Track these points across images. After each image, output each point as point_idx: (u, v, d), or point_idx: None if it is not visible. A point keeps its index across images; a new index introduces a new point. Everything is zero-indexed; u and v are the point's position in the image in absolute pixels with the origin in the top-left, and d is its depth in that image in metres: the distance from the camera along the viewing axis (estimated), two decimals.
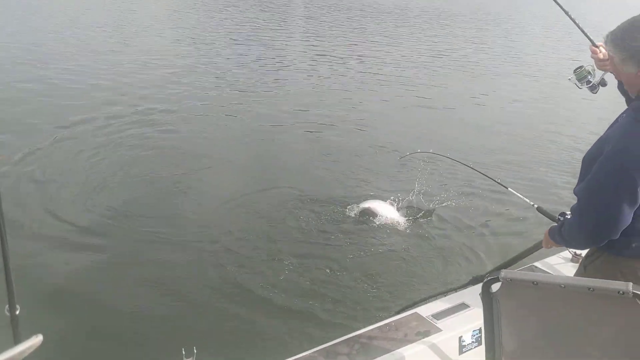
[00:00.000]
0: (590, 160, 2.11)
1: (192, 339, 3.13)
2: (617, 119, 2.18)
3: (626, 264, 2.15)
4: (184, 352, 1.76)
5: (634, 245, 2.11)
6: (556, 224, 2.38)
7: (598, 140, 2.15)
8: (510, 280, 1.77)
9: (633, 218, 2.03)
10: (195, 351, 1.76)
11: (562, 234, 2.27)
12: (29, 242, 4.73)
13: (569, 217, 2.71)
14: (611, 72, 2.25)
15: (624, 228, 2.02)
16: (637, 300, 1.58)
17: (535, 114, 10.61)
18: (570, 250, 3.05)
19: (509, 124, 9.68)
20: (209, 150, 7.23)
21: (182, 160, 6.80)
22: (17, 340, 1.06)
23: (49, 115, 8.14)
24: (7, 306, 0.98)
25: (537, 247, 2.85)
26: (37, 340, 0.82)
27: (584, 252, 3.00)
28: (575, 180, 2.29)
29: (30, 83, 9.88)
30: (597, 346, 1.74)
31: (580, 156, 2.28)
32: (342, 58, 14.69)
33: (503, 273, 1.78)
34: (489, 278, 1.83)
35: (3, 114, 8.03)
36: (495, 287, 1.84)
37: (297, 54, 15.01)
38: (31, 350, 0.81)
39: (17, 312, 1.00)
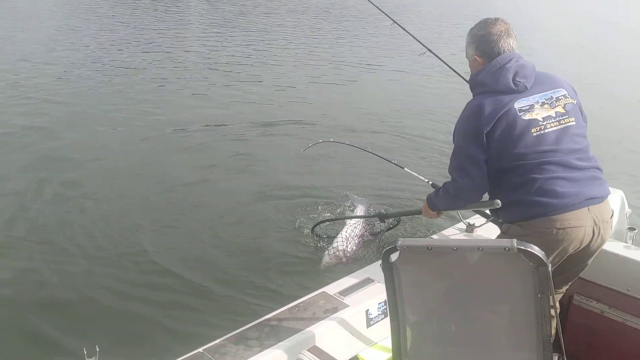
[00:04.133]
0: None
1: (94, 338, 3.09)
2: None
3: (538, 225, 2.31)
4: (85, 352, 1.69)
5: (515, 210, 2.38)
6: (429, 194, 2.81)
7: None
8: (407, 247, 1.85)
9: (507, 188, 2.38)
10: (97, 350, 1.69)
11: (438, 194, 2.69)
12: None
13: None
14: None
15: (480, 178, 2.40)
16: (522, 255, 1.70)
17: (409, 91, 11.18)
18: (465, 221, 3.22)
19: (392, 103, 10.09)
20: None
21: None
22: None
23: None
24: None
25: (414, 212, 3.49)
26: None
27: (477, 222, 3.22)
28: None
29: None
30: (490, 302, 1.86)
31: None
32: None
33: (400, 242, 1.85)
34: (387, 248, 1.90)
35: None
36: (394, 256, 1.91)
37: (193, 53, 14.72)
38: None
39: None
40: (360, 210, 5.03)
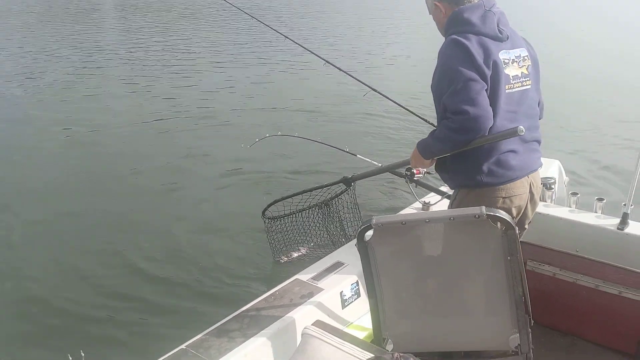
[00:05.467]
0: (434, 85, 2.33)
1: (76, 344, 3.03)
2: None
3: (487, 194, 2.34)
4: (70, 358, 1.66)
5: (485, 169, 2.30)
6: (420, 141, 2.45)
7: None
8: (381, 225, 1.91)
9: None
10: (82, 355, 1.66)
11: (436, 136, 2.31)
12: None
13: (419, 172, 3.01)
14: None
15: (487, 106, 2.16)
16: (490, 221, 1.80)
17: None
18: (420, 200, 3.33)
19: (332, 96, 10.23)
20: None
21: None
22: None
23: None
24: None
25: (397, 165, 3.07)
26: None
27: (431, 200, 3.34)
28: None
29: None
30: (464, 269, 1.95)
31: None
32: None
33: (374, 220, 1.92)
34: (362, 227, 1.95)
35: None
36: (369, 235, 1.97)
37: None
38: None
39: None
40: None
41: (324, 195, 3.82)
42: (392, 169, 3.25)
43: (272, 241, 3.99)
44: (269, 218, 3.94)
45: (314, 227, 3.90)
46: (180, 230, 5.07)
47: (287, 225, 3.93)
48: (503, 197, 2.35)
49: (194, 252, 4.66)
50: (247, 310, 2.30)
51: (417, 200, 3.35)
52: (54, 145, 7.33)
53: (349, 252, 2.70)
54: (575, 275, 2.98)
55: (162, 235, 4.96)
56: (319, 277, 2.53)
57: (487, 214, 1.78)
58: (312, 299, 2.36)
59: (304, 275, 2.55)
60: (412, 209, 3.34)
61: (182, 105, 9.55)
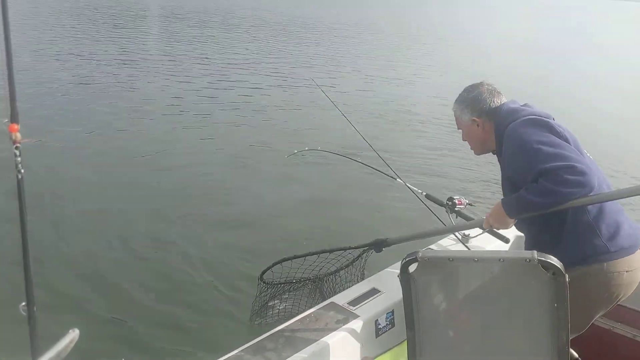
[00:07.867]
0: (516, 164, 2.23)
1: (122, 350, 3.07)
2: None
3: (609, 269, 2.16)
4: None
5: (605, 232, 2.15)
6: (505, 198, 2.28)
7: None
8: (427, 259, 1.89)
9: (582, 218, 2.14)
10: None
11: (534, 190, 2.07)
12: None
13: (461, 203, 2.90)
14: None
15: (585, 161, 2.05)
16: (541, 267, 1.77)
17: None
18: (459, 232, 3.24)
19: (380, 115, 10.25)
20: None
21: None
22: (33, 340, 0.96)
23: None
24: (23, 304, 0.89)
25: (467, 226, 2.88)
26: (75, 334, 0.76)
27: (471, 232, 3.26)
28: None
29: None
30: (508, 311, 1.92)
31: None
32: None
33: (421, 253, 1.90)
34: (407, 259, 1.93)
35: None
36: (412, 267, 1.95)
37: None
38: (72, 344, 0.75)
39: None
40: None
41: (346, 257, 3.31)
42: (446, 233, 2.95)
43: (257, 304, 3.40)
44: (266, 283, 3.32)
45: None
46: (217, 243, 5.06)
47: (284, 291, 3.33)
48: (626, 271, 2.16)
49: (229, 267, 4.65)
50: (282, 330, 2.30)
51: (483, 230, 3.25)
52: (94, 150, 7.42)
53: (385, 280, 2.67)
54: (613, 323, 2.90)
55: (197, 247, 4.96)
56: (354, 303, 2.51)
57: (538, 259, 1.75)
58: (346, 325, 2.35)
59: (339, 299, 2.54)
60: (450, 240, 3.28)
61: (234, 110, 9.82)
